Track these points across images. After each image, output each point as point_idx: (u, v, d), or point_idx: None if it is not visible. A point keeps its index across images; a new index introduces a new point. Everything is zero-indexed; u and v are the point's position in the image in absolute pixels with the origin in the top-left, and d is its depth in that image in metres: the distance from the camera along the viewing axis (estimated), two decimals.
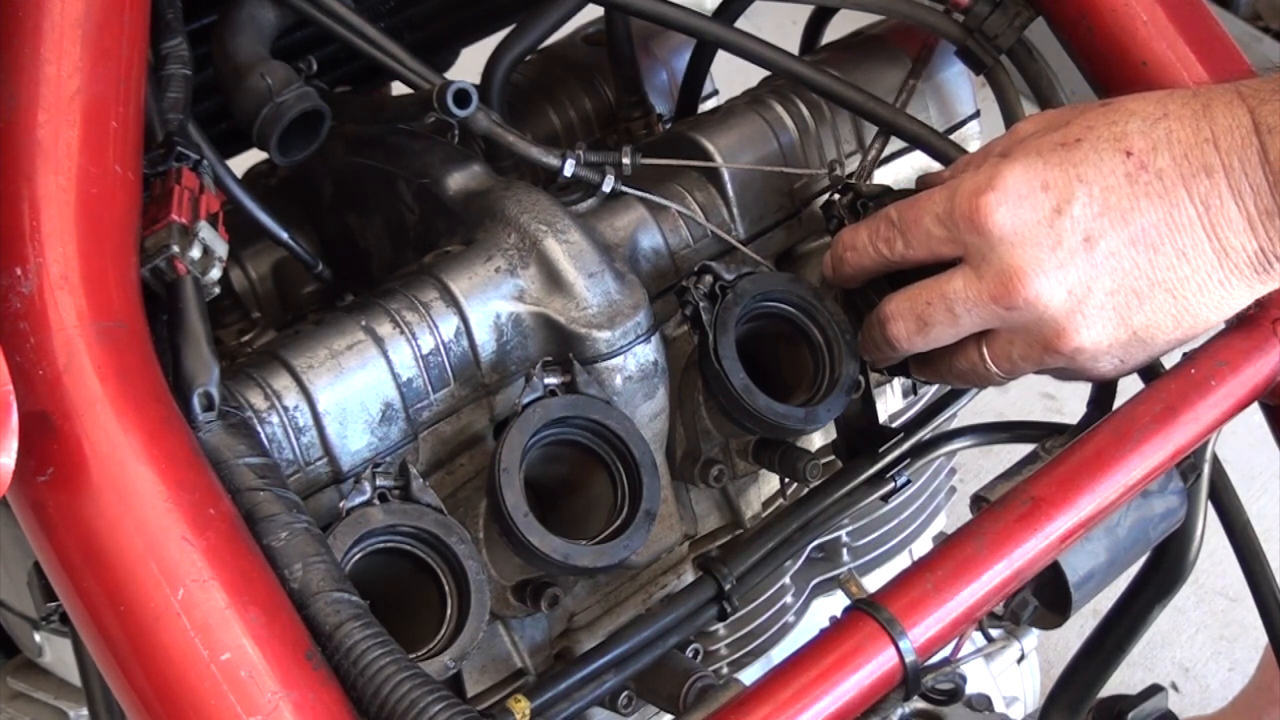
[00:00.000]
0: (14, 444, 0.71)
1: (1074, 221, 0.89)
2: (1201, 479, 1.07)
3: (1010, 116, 1.11)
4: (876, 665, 0.88)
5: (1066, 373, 0.98)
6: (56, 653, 1.19)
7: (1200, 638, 2.34)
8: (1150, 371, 1.05)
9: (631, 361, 0.98)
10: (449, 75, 1.03)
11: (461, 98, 0.99)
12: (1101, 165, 0.89)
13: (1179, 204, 0.88)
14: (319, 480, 0.93)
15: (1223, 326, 1.00)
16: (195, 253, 0.84)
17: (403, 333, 0.94)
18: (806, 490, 1.09)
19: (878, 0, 1.13)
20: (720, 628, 1.16)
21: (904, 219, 0.97)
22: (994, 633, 1.54)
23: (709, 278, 0.99)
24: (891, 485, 1.09)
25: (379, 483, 0.88)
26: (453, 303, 0.96)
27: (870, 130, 1.15)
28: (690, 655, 1.04)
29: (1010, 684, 1.53)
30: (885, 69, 1.19)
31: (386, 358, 0.94)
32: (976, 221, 0.91)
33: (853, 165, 1.16)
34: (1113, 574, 1.01)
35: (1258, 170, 0.86)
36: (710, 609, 1.00)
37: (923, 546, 1.36)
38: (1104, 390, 1.04)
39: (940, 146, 1.10)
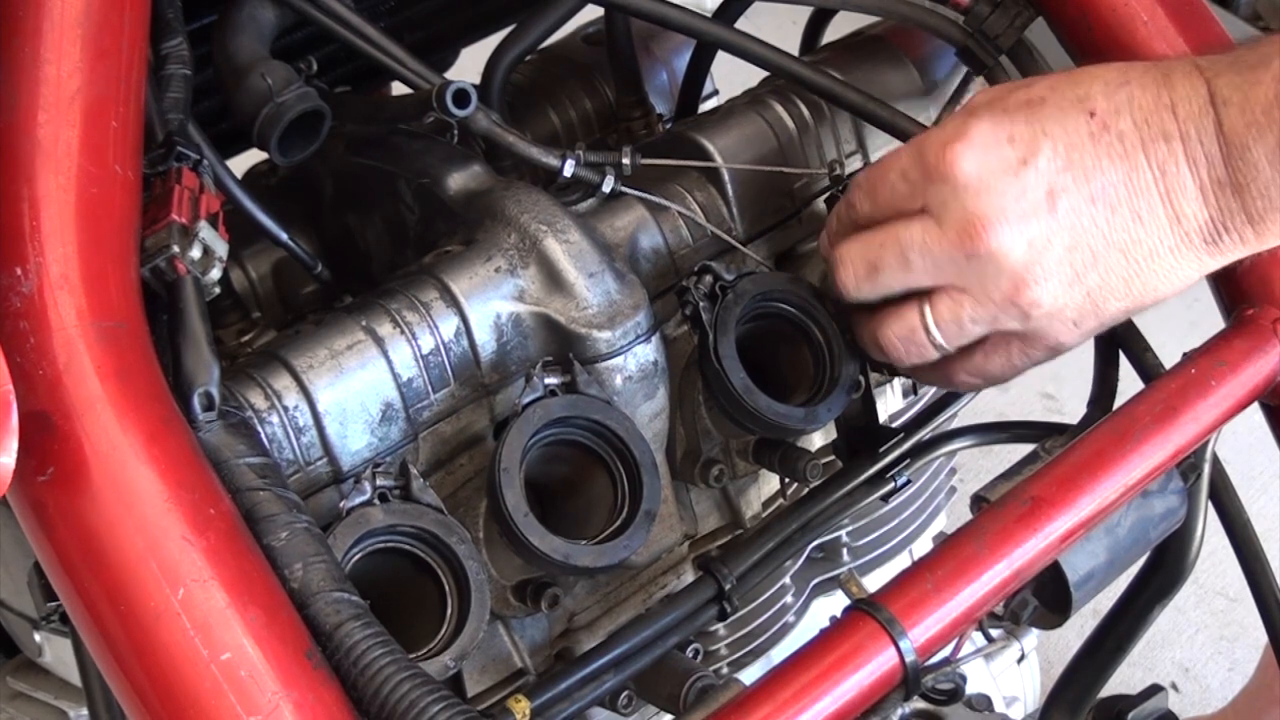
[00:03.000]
0: (14, 444, 0.71)
1: (1038, 174, 0.90)
2: (1201, 479, 1.07)
3: None
4: (876, 665, 0.88)
5: (1018, 346, 0.97)
6: (56, 653, 1.19)
7: (1200, 638, 2.34)
8: (1150, 371, 1.05)
9: (631, 361, 0.98)
10: (449, 75, 1.03)
11: (461, 98, 0.99)
12: (1066, 123, 0.90)
13: (1138, 167, 0.90)
14: (319, 480, 0.93)
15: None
16: (195, 253, 0.84)
17: (403, 333, 0.94)
18: (806, 490, 1.09)
19: (878, 1, 1.13)
20: (720, 628, 1.16)
21: (870, 179, 0.97)
22: (994, 633, 1.54)
23: (709, 278, 0.99)
24: (891, 485, 1.09)
25: (379, 483, 0.88)
26: (453, 303, 0.96)
27: (870, 130, 1.15)
28: (690, 655, 1.04)
29: (1010, 684, 1.53)
30: (885, 69, 1.19)
31: (387, 358, 0.94)
32: (942, 170, 0.91)
33: (853, 165, 1.16)
34: (1113, 574, 1.01)
35: (1213, 140, 0.88)
36: (710, 609, 1.00)
37: (923, 546, 1.36)
38: (1104, 390, 1.04)
39: None
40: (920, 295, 0.96)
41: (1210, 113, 0.88)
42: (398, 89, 1.13)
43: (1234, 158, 0.88)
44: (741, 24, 1.18)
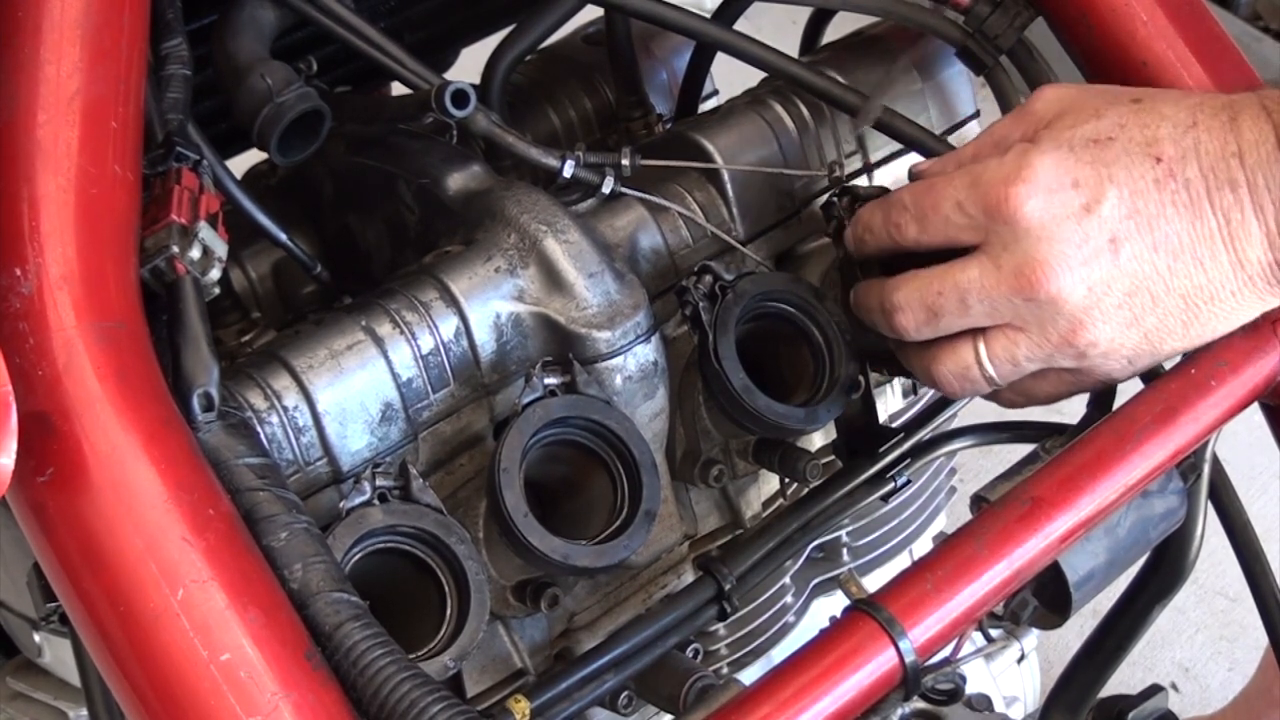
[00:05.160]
0: (14, 444, 0.71)
1: (1102, 222, 0.90)
2: (1201, 479, 1.07)
3: None
4: (876, 665, 0.88)
5: (1069, 377, 0.98)
6: (56, 653, 1.19)
7: (1200, 638, 2.34)
8: (1150, 372, 1.05)
9: (631, 361, 0.98)
10: (449, 75, 1.03)
11: (459, 98, 0.99)
12: (1132, 169, 0.90)
13: (1203, 215, 0.89)
14: (319, 480, 0.93)
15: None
16: (195, 253, 0.84)
17: (403, 333, 0.94)
18: (806, 490, 1.09)
19: (878, 1, 1.13)
20: (720, 628, 1.16)
21: (920, 204, 0.95)
22: (994, 633, 1.54)
23: (709, 278, 0.99)
24: (891, 485, 1.09)
25: (379, 483, 0.88)
26: (453, 303, 0.96)
27: (870, 131, 1.15)
28: (690, 655, 1.04)
29: (1010, 684, 1.54)
30: (885, 69, 1.18)
31: (386, 358, 0.94)
32: (1005, 212, 0.90)
33: (853, 165, 1.16)
34: (1113, 574, 1.01)
35: (1277, 186, 0.87)
36: (710, 609, 1.00)
37: (923, 546, 1.36)
38: (1104, 390, 1.04)
39: (936, 149, 1.10)
40: (976, 332, 0.95)
41: (1277, 157, 0.87)
42: (398, 89, 1.13)
43: None
44: (741, 24, 1.18)
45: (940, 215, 0.94)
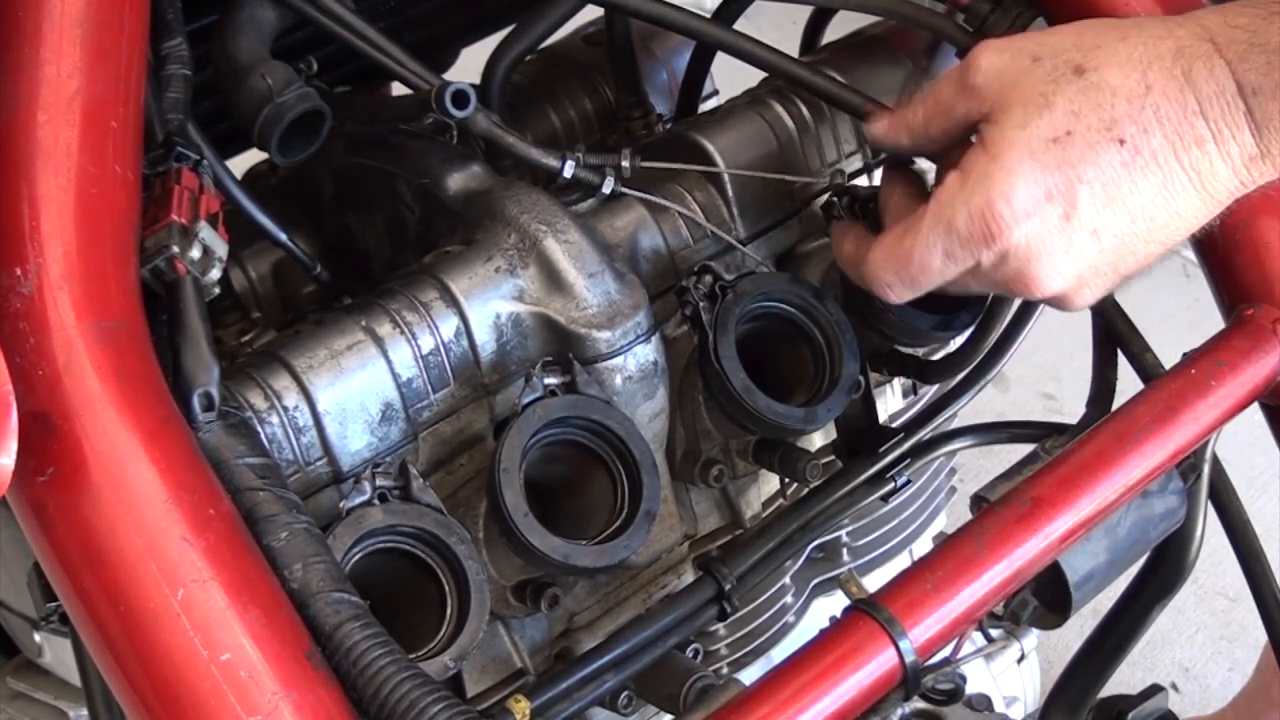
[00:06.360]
0: (14, 444, 0.71)
1: (1082, 222, 0.90)
2: (1201, 479, 1.07)
3: None
4: (876, 665, 0.88)
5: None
6: (56, 653, 1.19)
7: (1200, 638, 2.34)
8: (1150, 372, 1.05)
9: (631, 361, 0.98)
10: (449, 75, 1.03)
11: (460, 99, 0.99)
12: (1099, 160, 0.89)
13: (1173, 175, 0.90)
14: (319, 480, 0.93)
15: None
16: (195, 253, 0.84)
17: (403, 333, 0.94)
18: (806, 490, 1.09)
19: (878, 1, 1.13)
20: (720, 628, 1.16)
21: (906, 273, 0.95)
22: (994, 633, 1.54)
23: (709, 278, 0.99)
24: (891, 485, 1.09)
25: (379, 483, 0.88)
26: (453, 303, 0.96)
27: None
28: (690, 655, 1.04)
29: (1010, 684, 1.54)
30: (885, 69, 1.19)
31: (386, 358, 0.94)
32: (993, 246, 0.91)
33: (853, 165, 1.16)
34: (1113, 574, 1.02)
35: (1243, 129, 0.88)
36: (710, 609, 1.00)
37: (923, 546, 1.36)
38: (1103, 390, 1.04)
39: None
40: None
41: (1240, 105, 0.88)
42: (398, 89, 1.13)
43: (1267, 138, 0.88)
44: (741, 24, 1.18)
45: (931, 274, 0.94)
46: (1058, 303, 0.95)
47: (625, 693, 0.97)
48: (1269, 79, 0.87)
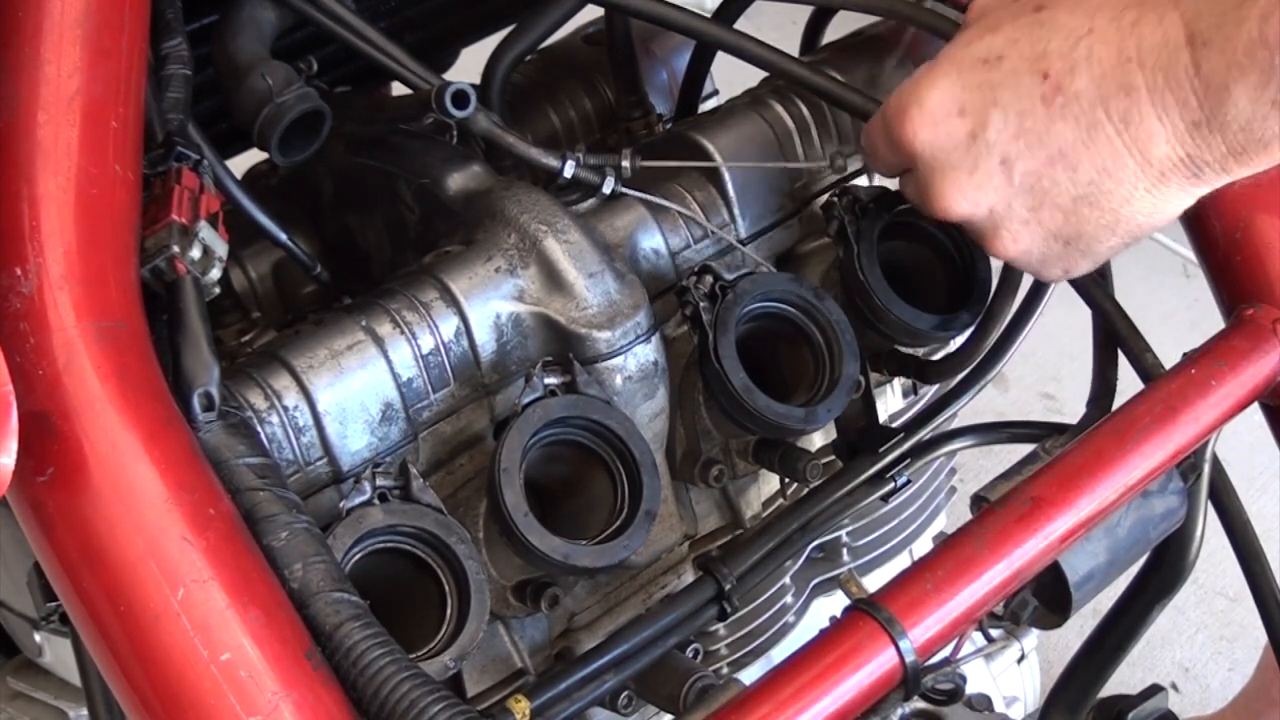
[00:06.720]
0: (14, 444, 0.71)
1: (989, 146, 0.90)
2: (1201, 479, 1.07)
3: None
4: (876, 665, 0.88)
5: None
6: (56, 653, 1.19)
7: (1200, 638, 2.34)
8: (1150, 372, 1.05)
9: (631, 361, 0.98)
10: (449, 75, 1.03)
11: (460, 99, 0.99)
12: (1018, 88, 0.89)
13: (1096, 123, 0.88)
14: (319, 480, 0.93)
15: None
16: (195, 253, 0.84)
17: (403, 333, 0.94)
18: (806, 490, 1.09)
19: (878, 1, 1.13)
20: (720, 628, 1.16)
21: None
22: (994, 633, 1.54)
23: (709, 278, 0.99)
24: (891, 485, 1.09)
25: (379, 483, 0.88)
26: (453, 303, 0.96)
27: None
28: (690, 655, 1.04)
29: (1010, 684, 1.53)
30: (885, 69, 1.19)
31: (386, 358, 0.94)
32: (904, 145, 0.94)
33: (853, 165, 1.16)
34: (1113, 574, 1.02)
35: (1184, 85, 0.84)
36: (710, 609, 1.00)
37: (923, 546, 1.36)
38: (1103, 390, 1.04)
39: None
40: None
41: (1184, 56, 0.84)
42: (398, 89, 1.14)
43: (1212, 98, 0.84)
44: (741, 24, 1.18)
45: (880, 157, 0.99)
46: (979, 238, 0.95)
47: (625, 693, 0.97)
48: (1220, 31, 0.82)
